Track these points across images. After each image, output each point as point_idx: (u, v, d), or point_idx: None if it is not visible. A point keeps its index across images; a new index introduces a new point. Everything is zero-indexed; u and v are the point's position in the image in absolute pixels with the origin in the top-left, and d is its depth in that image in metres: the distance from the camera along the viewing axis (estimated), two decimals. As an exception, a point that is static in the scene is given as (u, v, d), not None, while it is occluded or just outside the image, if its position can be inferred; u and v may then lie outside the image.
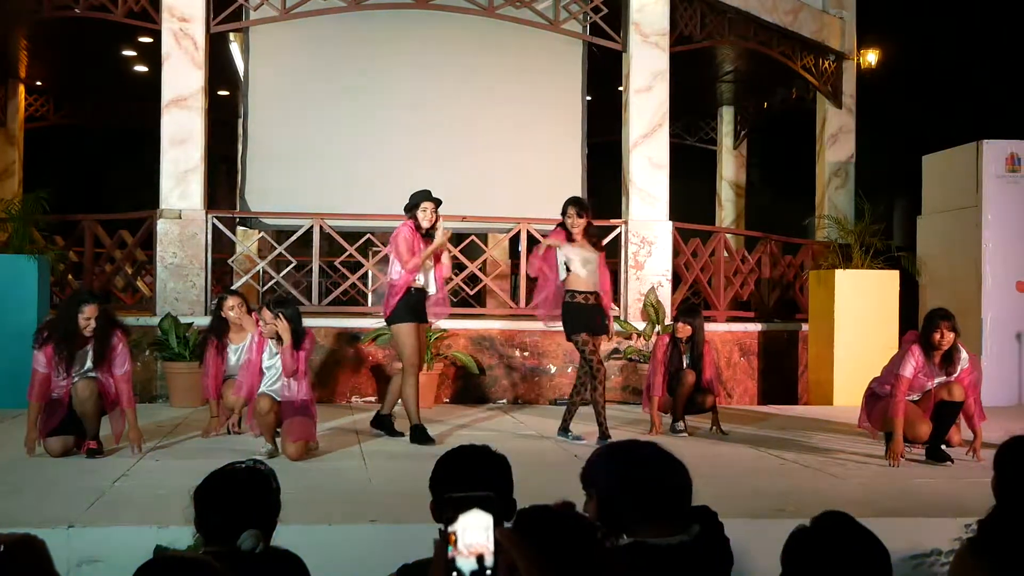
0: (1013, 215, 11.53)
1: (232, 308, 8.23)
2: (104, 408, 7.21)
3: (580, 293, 7.98)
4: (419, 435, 7.94)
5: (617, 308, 11.80)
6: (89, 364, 7.14)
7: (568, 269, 8.03)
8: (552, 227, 11.95)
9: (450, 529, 1.76)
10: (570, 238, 8.06)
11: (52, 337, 7.08)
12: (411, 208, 8.14)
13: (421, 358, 8.40)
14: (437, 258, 8.24)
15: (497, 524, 1.77)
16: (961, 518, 4.91)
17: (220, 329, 8.27)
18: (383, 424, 8.36)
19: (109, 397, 7.19)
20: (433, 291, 8.23)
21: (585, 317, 7.99)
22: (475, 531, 1.74)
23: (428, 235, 8.13)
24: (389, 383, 8.70)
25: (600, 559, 2.28)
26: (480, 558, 1.73)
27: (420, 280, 8.12)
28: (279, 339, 7.19)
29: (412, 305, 8.10)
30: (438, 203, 8.16)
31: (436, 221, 8.14)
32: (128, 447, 7.24)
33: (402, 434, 8.14)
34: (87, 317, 7.05)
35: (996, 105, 20.86)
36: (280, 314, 7.18)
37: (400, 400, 8.24)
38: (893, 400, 7.28)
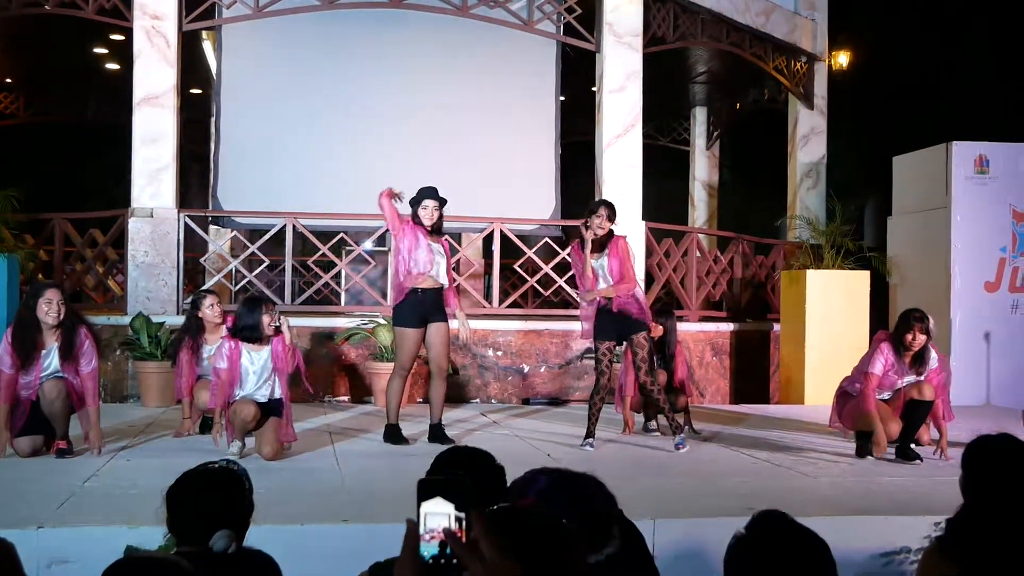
0: (982, 216, 11.63)
1: (211, 306, 8.20)
2: (73, 407, 7.16)
3: (605, 299, 7.86)
4: (392, 435, 7.92)
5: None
6: (56, 362, 7.07)
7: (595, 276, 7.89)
8: (527, 227, 12.07)
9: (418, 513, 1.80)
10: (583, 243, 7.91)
11: (15, 334, 7.01)
12: (415, 203, 7.93)
13: (412, 362, 8.17)
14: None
15: (467, 508, 1.79)
16: (930, 516, 4.93)
17: (195, 329, 8.22)
18: (437, 436, 7.95)
19: (77, 396, 7.14)
20: (444, 283, 7.94)
21: (605, 324, 7.87)
22: (437, 517, 1.77)
23: (434, 231, 7.92)
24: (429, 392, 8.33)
25: (570, 554, 2.29)
26: (442, 544, 1.76)
27: (426, 272, 7.81)
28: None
29: (417, 306, 7.86)
30: (443, 202, 7.95)
31: (441, 223, 7.98)
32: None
33: (452, 440, 7.76)
34: (48, 300, 6.95)
35: (966, 107, 21.01)
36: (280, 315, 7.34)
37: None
38: (863, 396, 7.34)
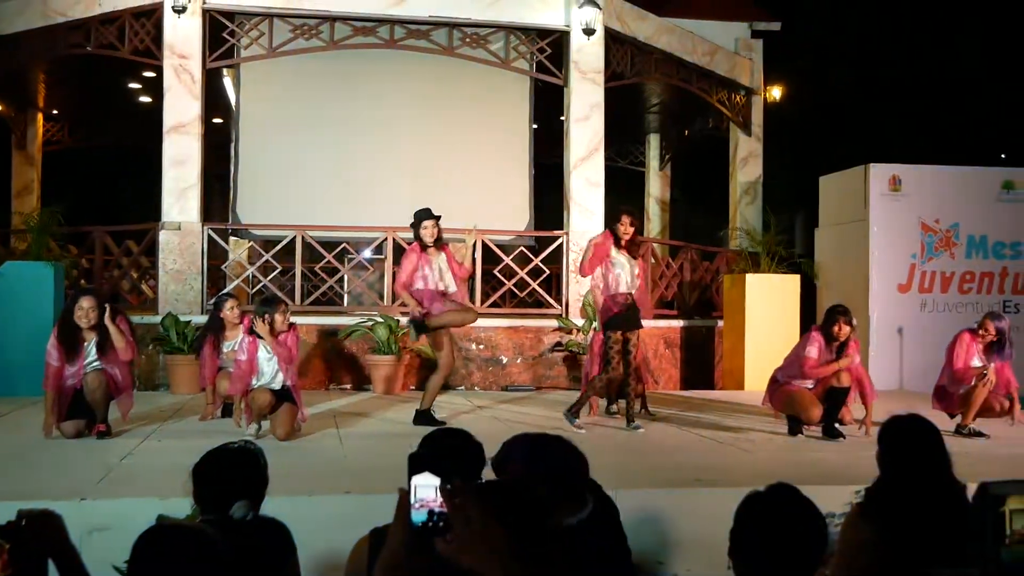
0: (895, 228, 11.70)
1: (231, 308, 8.18)
2: (111, 395, 7.13)
3: (620, 295, 7.79)
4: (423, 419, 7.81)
5: (560, 307, 11.85)
6: (94, 355, 7.03)
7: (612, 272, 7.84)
8: (505, 237, 12.05)
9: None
10: (617, 243, 7.84)
11: (60, 334, 6.98)
12: (415, 226, 7.98)
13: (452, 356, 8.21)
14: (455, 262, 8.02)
15: (451, 481, 1.80)
16: (851, 485, 4.95)
17: (217, 327, 8.19)
18: (425, 419, 7.85)
19: (115, 385, 7.11)
20: (453, 290, 7.96)
21: (621, 317, 7.82)
22: (425, 488, 1.78)
23: (435, 243, 7.97)
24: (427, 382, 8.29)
25: (548, 528, 2.29)
26: (431, 512, 1.80)
27: (442, 286, 7.89)
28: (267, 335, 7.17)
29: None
30: (437, 218, 8.01)
31: (440, 235, 7.99)
32: (130, 431, 7.21)
33: (444, 422, 7.74)
34: (82, 308, 6.91)
35: (881, 134, 21.17)
36: (265, 315, 7.16)
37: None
38: (816, 374, 7.40)
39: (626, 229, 7.85)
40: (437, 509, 1.79)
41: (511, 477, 3.03)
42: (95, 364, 7.02)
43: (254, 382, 7.17)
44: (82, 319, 6.92)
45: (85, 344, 7.00)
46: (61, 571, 2.28)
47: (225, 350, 8.12)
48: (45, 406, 7.01)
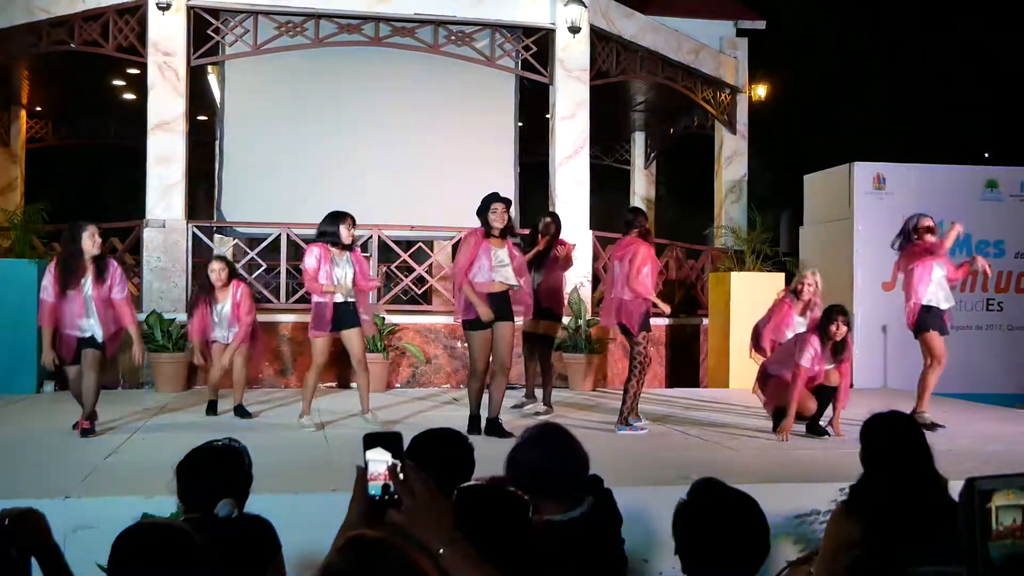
0: (879, 226, 11.69)
1: (213, 271, 8.23)
2: (97, 387, 7.07)
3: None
4: (472, 425, 7.21)
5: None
6: (90, 289, 6.99)
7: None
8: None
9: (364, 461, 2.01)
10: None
11: (61, 267, 6.96)
12: (483, 210, 7.28)
13: (486, 361, 7.27)
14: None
15: (401, 455, 1.99)
16: (836, 483, 4.98)
17: (208, 287, 8.26)
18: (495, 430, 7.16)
19: (109, 332, 7.08)
20: (514, 284, 7.32)
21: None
22: (378, 464, 1.98)
23: (503, 235, 7.30)
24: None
25: (531, 531, 2.29)
26: (384, 485, 1.97)
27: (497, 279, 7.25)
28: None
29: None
30: (508, 203, 7.36)
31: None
32: (114, 429, 7.19)
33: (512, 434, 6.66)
34: (92, 234, 6.97)
35: (865, 132, 21.24)
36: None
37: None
38: (792, 387, 7.32)
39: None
40: (391, 484, 1.96)
41: (519, 476, 3.06)
42: (89, 298, 6.96)
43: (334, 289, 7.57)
44: (94, 246, 6.95)
45: (83, 277, 6.98)
46: (44, 570, 2.27)
47: (216, 311, 8.22)
48: (44, 342, 6.99)
